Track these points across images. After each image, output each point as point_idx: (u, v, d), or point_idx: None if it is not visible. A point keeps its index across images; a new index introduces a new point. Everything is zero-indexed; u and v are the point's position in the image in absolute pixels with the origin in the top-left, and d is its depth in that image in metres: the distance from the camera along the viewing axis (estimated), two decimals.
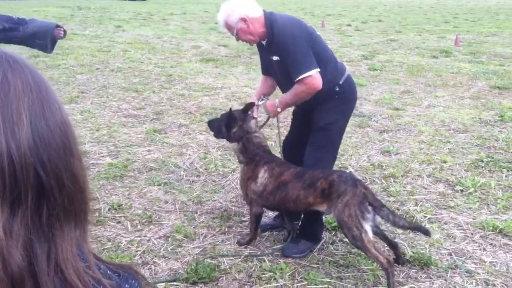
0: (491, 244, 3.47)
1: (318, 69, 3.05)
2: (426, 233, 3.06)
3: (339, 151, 3.67)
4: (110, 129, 5.87)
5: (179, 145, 5.39)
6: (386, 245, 3.25)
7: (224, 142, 5.44)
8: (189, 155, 5.11)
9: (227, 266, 3.14)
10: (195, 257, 3.25)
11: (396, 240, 3.36)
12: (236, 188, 4.30)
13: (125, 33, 15.38)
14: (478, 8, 31.16)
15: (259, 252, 3.33)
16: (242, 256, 3.27)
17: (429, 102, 7.41)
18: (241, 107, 3.46)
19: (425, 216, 3.85)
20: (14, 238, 0.61)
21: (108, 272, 0.75)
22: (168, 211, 3.92)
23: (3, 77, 0.64)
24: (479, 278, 3.06)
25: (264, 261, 3.22)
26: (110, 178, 4.46)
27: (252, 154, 3.28)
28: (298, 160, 3.37)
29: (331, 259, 3.27)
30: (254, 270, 3.12)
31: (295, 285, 2.98)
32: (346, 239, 3.38)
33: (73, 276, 0.66)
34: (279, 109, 3.30)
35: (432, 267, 3.15)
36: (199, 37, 14.93)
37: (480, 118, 6.53)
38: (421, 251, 3.31)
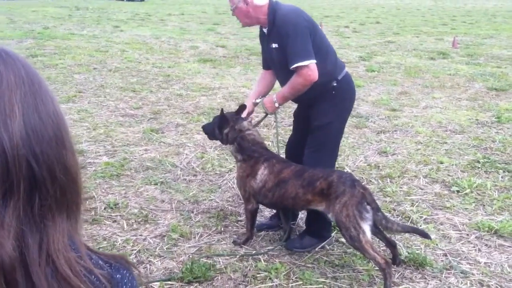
0: (486, 245, 3.48)
1: (315, 61, 3.03)
2: (425, 235, 3.06)
3: None
4: (107, 129, 5.87)
5: (176, 145, 5.39)
6: (383, 245, 3.26)
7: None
8: (186, 154, 5.11)
9: (223, 266, 3.14)
10: (191, 256, 3.25)
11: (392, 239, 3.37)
12: (233, 187, 4.30)
13: (123, 34, 15.37)
14: (476, 11, 31.24)
15: (254, 252, 3.33)
16: (238, 256, 3.27)
17: (426, 103, 7.43)
18: (237, 108, 3.46)
19: (421, 217, 3.85)
20: (5, 228, 0.61)
21: (100, 262, 0.76)
22: (164, 210, 3.91)
23: None
24: (474, 279, 3.06)
25: (260, 260, 3.22)
26: (106, 177, 4.46)
27: (249, 151, 3.27)
28: (301, 162, 3.36)
29: (327, 259, 3.28)
30: (249, 269, 3.12)
31: (290, 285, 2.98)
32: (342, 239, 3.39)
33: (65, 266, 0.66)
34: (277, 104, 3.28)
35: (427, 267, 3.15)
36: (197, 37, 14.93)
37: (477, 120, 6.54)
38: (416, 252, 3.31)
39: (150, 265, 3.15)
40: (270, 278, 3.02)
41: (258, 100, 3.42)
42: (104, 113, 6.56)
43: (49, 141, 0.66)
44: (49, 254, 0.65)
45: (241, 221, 3.76)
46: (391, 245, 3.16)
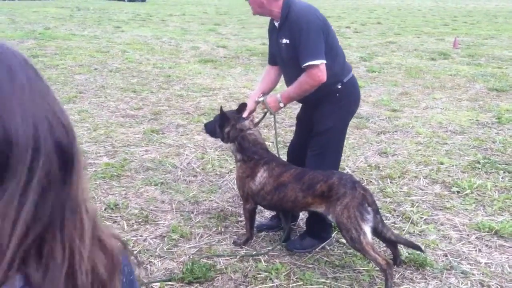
0: (486, 245, 3.48)
1: (325, 61, 3.00)
2: (417, 248, 3.07)
3: None
4: (107, 129, 5.87)
5: (176, 145, 5.39)
6: (384, 245, 3.26)
7: (221, 142, 5.46)
8: (187, 155, 5.11)
9: (223, 266, 3.15)
10: (191, 257, 3.25)
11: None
12: (233, 188, 4.30)
13: (124, 34, 15.38)
14: (477, 11, 31.23)
15: (254, 252, 3.33)
16: (238, 256, 3.27)
17: (427, 104, 7.43)
18: (238, 106, 3.44)
19: (421, 217, 3.85)
20: None
21: None
22: (165, 211, 3.92)
23: None
24: (474, 279, 3.06)
25: (260, 261, 3.22)
26: (107, 178, 4.46)
27: (250, 152, 3.26)
28: (303, 165, 3.35)
29: (327, 259, 3.28)
30: (249, 270, 3.12)
31: (291, 285, 2.98)
32: (342, 240, 3.39)
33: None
34: (281, 104, 3.23)
35: (428, 268, 3.15)
36: (198, 38, 14.94)
37: (477, 120, 6.54)
38: (417, 252, 3.30)
39: (150, 265, 3.15)
40: (270, 279, 3.03)
41: (260, 98, 3.35)
42: (105, 113, 6.57)
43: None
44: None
45: (241, 221, 3.76)
46: (392, 245, 3.16)
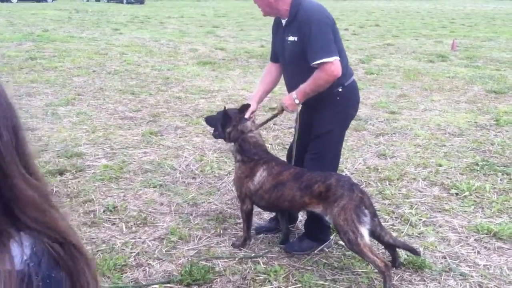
0: (485, 247, 3.48)
1: (338, 57, 2.99)
2: (414, 252, 3.06)
3: None
4: (106, 131, 5.87)
5: (175, 147, 5.39)
6: (382, 247, 3.26)
7: (220, 144, 5.46)
8: (185, 157, 5.11)
9: (222, 268, 3.14)
10: (190, 259, 3.25)
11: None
12: (232, 190, 4.29)
13: (122, 36, 15.39)
14: (475, 13, 31.30)
15: (253, 254, 3.33)
16: (237, 258, 3.27)
17: (425, 106, 7.44)
18: (241, 106, 3.43)
19: (420, 219, 3.85)
20: None
21: None
22: (163, 213, 3.91)
23: None
24: (473, 281, 3.06)
25: (259, 263, 3.22)
26: (105, 180, 4.45)
27: (250, 153, 3.25)
28: (302, 167, 3.34)
29: (326, 261, 3.27)
30: (248, 272, 3.12)
31: (289, 287, 2.97)
32: (341, 242, 3.38)
33: None
34: (297, 101, 3.17)
35: (426, 270, 3.15)
36: (197, 40, 14.95)
37: (475, 122, 6.55)
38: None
39: (149, 267, 3.15)
40: (269, 281, 3.02)
41: (275, 105, 3.34)
42: (103, 115, 6.57)
43: None
44: None
45: (240, 223, 3.75)
46: (390, 248, 3.15)
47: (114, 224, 3.70)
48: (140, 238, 3.51)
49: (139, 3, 38.83)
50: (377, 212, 3.14)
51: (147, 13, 26.98)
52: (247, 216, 3.38)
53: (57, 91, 7.80)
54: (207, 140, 5.63)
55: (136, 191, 4.28)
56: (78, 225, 3.63)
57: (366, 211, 2.91)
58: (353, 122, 6.20)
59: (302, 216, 3.71)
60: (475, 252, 3.41)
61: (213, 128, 3.52)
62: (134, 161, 4.95)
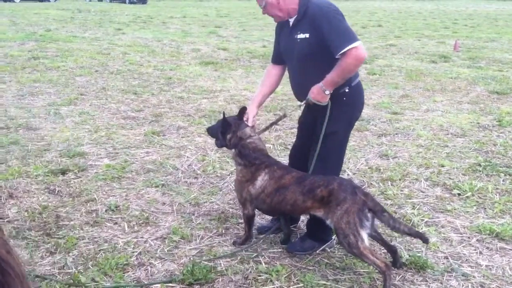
0: (487, 247, 3.47)
1: (360, 41, 2.96)
2: (425, 240, 3.03)
3: None
4: (108, 131, 5.88)
5: (177, 147, 5.40)
6: (383, 248, 3.25)
7: None
8: (187, 157, 5.11)
9: (223, 268, 3.14)
10: (192, 258, 3.25)
11: (393, 242, 3.37)
12: (234, 190, 4.30)
13: (125, 36, 15.41)
14: (477, 14, 31.25)
15: (255, 254, 3.33)
16: (239, 258, 3.27)
17: (428, 106, 7.43)
18: (239, 111, 3.43)
19: (422, 220, 3.85)
20: None
21: None
22: (165, 212, 3.91)
23: None
24: (475, 282, 3.06)
25: (261, 263, 3.22)
26: (108, 180, 4.46)
27: (251, 158, 3.25)
28: (305, 169, 3.32)
29: (328, 261, 3.27)
30: (250, 272, 3.12)
31: (291, 287, 2.97)
32: None
33: None
34: (327, 92, 3.09)
35: (428, 270, 3.15)
36: (199, 40, 14.96)
37: (478, 123, 6.55)
38: (418, 254, 3.30)
39: (151, 267, 3.15)
40: (271, 281, 3.02)
41: (301, 104, 3.27)
42: (106, 115, 6.58)
43: None
44: None
45: (241, 223, 3.75)
46: (392, 250, 3.15)
47: (116, 223, 3.71)
48: (142, 237, 3.52)
49: (142, 3, 38.89)
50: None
51: (150, 13, 27.01)
52: (249, 220, 3.38)
53: (59, 91, 7.81)
54: (209, 140, 5.63)
55: (138, 190, 4.28)
56: (81, 225, 3.64)
57: (369, 215, 2.90)
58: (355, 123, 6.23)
59: (304, 216, 3.71)
60: (477, 253, 3.40)
61: (213, 138, 3.54)
62: (137, 161, 4.95)
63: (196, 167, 4.85)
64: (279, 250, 3.40)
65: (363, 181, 4.57)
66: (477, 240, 3.57)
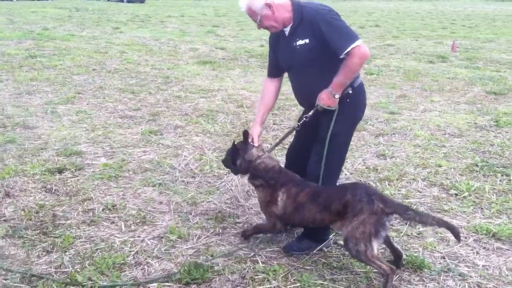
0: (484, 247, 3.48)
1: (361, 39, 2.95)
2: (456, 234, 2.89)
3: None
4: (105, 130, 5.87)
5: (174, 147, 5.39)
6: (383, 247, 3.25)
7: (219, 143, 5.47)
8: (185, 156, 5.11)
9: (220, 267, 3.14)
10: (189, 257, 3.24)
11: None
12: (231, 189, 4.30)
13: (123, 35, 15.38)
14: (475, 15, 31.31)
15: (252, 254, 3.33)
16: (236, 257, 3.26)
17: (425, 106, 7.44)
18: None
19: None
20: None
21: None
22: (162, 211, 3.91)
23: None
24: (472, 282, 3.06)
25: (258, 262, 3.22)
26: (105, 179, 4.45)
27: (265, 178, 3.23)
28: (303, 169, 3.32)
29: (325, 261, 3.27)
30: (247, 271, 3.11)
31: (288, 287, 2.97)
32: (340, 242, 3.39)
33: None
34: (337, 95, 3.07)
35: (425, 270, 3.15)
36: (197, 39, 14.95)
37: (475, 123, 6.56)
38: (415, 254, 3.31)
39: (148, 266, 3.14)
40: (268, 280, 3.02)
41: (309, 114, 3.22)
42: (103, 114, 6.57)
43: None
44: None
45: (239, 223, 3.75)
46: (397, 255, 3.11)
47: (113, 222, 3.70)
48: (139, 236, 3.51)
49: (140, 2, 38.83)
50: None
51: (148, 12, 26.97)
52: (271, 232, 3.44)
53: (57, 90, 7.80)
54: (207, 140, 5.63)
55: (136, 190, 4.27)
56: (77, 224, 3.63)
57: (387, 224, 2.86)
58: None
59: None
60: (474, 253, 3.41)
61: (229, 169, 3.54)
62: (134, 160, 4.94)
63: (193, 167, 4.84)
64: (276, 249, 3.40)
65: (361, 181, 4.57)
66: (474, 240, 3.58)
